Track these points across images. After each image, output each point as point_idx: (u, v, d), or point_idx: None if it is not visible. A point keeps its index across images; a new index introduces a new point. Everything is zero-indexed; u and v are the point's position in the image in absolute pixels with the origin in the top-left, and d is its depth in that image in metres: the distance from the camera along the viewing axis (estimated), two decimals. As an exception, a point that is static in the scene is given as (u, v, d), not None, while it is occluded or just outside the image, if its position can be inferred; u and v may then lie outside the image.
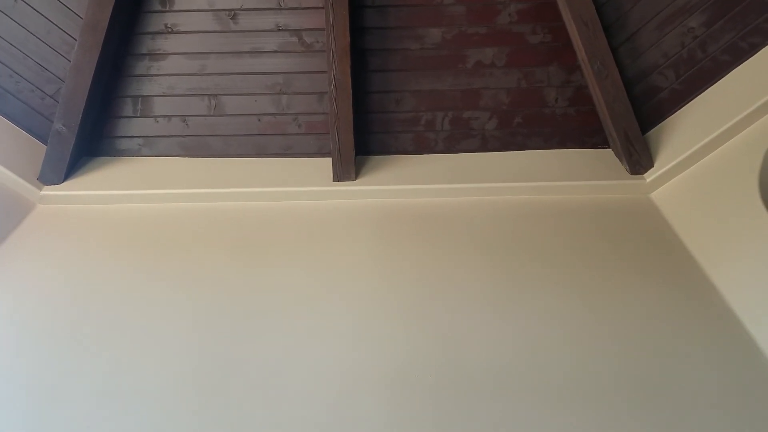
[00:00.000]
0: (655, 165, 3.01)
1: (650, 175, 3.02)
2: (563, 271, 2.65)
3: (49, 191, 3.06)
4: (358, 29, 2.95)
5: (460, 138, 3.25)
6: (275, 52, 3.03)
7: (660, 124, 3.06)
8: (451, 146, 3.26)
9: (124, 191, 3.08)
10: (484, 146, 3.26)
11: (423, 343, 2.34)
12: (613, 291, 2.55)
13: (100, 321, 2.43)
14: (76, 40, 2.86)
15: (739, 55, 2.80)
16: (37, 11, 2.84)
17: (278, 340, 2.36)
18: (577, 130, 3.21)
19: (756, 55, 2.76)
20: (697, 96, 2.94)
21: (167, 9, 2.93)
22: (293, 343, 2.34)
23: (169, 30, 2.98)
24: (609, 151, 3.21)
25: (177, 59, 3.06)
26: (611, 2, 2.84)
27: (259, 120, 3.20)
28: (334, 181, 3.12)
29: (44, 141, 3.10)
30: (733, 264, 2.50)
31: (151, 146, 3.26)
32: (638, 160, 3.02)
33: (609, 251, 2.75)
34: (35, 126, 3.11)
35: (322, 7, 2.86)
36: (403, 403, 2.12)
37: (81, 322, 2.42)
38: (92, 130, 3.19)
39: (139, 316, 2.46)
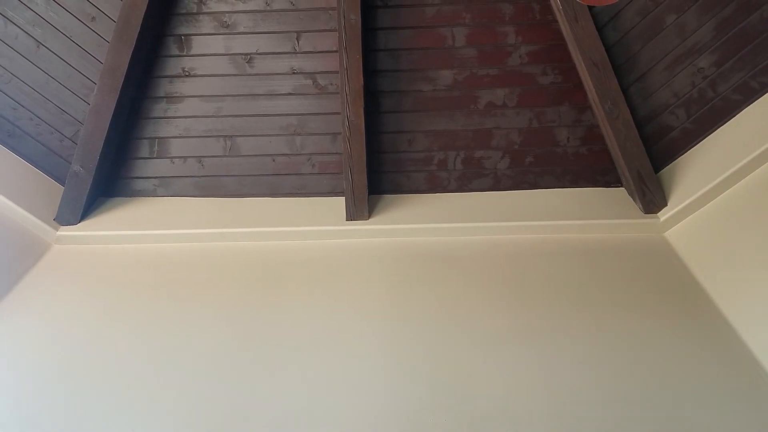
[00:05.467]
0: (669, 204, 3.00)
1: (664, 214, 3.00)
2: (577, 311, 2.62)
3: (66, 231, 3.09)
4: (371, 72, 3.01)
5: (473, 177, 3.26)
6: (290, 94, 3.09)
7: (672, 163, 3.06)
8: (463, 185, 3.28)
9: (139, 231, 3.10)
10: (497, 185, 3.27)
11: (436, 385, 2.30)
12: (628, 331, 2.50)
13: (114, 361, 2.42)
14: (95, 83, 2.93)
15: (749, 94, 2.81)
16: (59, 56, 2.93)
17: (290, 381, 2.33)
18: (589, 168, 3.22)
19: (767, 94, 2.76)
20: (709, 135, 2.94)
21: (185, 53, 3.01)
22: (305, 384, 2.32)
23: (187, 74, 3.05)
24: (622, 189, 3.21)
25: (193, 102, 3.12)
26: (621, 43, 2.88)
27: (273, 160, 3.24)
28: (347, 220, 3.12)
29: (62, 182, 3.15)
30: (750, 303, 2.46)
31: (166, 187, 3.30)
32: (652, 199, 3.01)
33: (623, 291, 2.72)
34: (53, 167, 3.17)
35: (336, 51, 2.93)
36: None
37: (96, 362, 2.41)
38: (109, 172, 3.24)
39: (154, 357, 2.44)
